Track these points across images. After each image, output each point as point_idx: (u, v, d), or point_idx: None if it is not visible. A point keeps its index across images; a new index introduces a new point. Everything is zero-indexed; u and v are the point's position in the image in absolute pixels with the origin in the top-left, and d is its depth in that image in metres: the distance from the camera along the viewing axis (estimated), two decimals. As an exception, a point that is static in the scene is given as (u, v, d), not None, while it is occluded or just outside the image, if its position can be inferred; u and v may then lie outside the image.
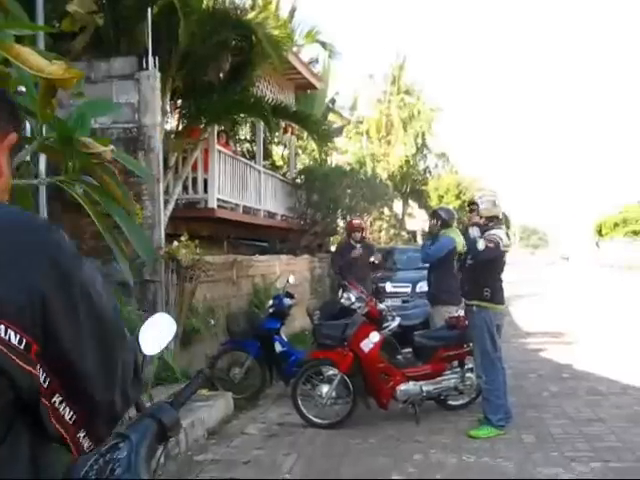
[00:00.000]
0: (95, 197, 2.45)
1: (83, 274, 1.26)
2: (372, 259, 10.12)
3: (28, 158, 3.64)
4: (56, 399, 1.21)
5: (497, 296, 6.78)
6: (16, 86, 2.69)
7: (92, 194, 2.52)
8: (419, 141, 35.84)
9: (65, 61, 2.01)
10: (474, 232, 6.84)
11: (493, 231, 6.76)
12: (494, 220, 6.92)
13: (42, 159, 5.96)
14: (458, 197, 53.07)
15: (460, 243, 7.75)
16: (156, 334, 2.16)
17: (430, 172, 39.96)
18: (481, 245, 6.64)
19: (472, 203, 7.41)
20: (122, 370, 1.35)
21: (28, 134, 4.50)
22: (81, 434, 1.28)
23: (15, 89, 2.76)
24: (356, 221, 10.83)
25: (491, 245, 6.64)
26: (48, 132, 2.66)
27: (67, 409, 1.23)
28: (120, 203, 2.48)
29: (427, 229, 9.71)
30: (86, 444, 1.32)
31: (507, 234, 7.03)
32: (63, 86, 2.03)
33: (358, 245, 10.05)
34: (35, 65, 1.91)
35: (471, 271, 6.89)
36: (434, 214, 8.73)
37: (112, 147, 2.31)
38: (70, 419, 1.24)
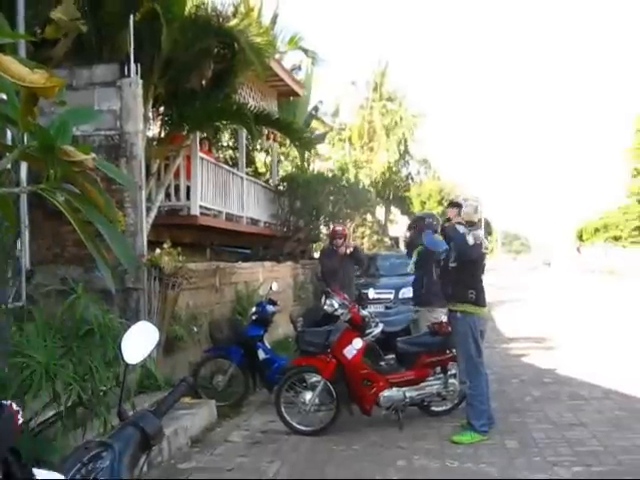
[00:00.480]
0: (77, 205, 2.44)
1: None
2: (347, 250, 10.17)
3: (9, 166, 3.63)
4: None
5: (481, 298, 6.82)
6: (-3, 94, 2.67)
7: (74, 202, 2.51)
8: (401, 147, 35.92)
9: (46, 70, 2.01)
10: (462, 229, 6.86)
11: (476, 232, 6.83)
12: (473, 225, 6.97)
13: (23, 167, 5.94)
14: (440, 203, 53.23)
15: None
16: (139, 342, 2.16)
17: (412, 178, 40.08)
18: (471, 240, 6.69)
19: (453, 203, 7.49)
20: None
21: (9, 142, 4.48)
22: None
23: (-4, 97, 2.75)
24: (338, 228, 10.86)
25: (478, 242, 6.71)
26: (29, 140, 2.65)
27: None
28: (102, 211, 2.47)
29: (407, 239, 9.65)
30: None
31: (485, 239, 7.12)
32: (45, 95, 2.03)
33: (342, 248, 10.12)
34: (16, 74, 1.91)
35: (455, 273, 6.89)
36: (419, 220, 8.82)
37: (94, 155, 2.30)
38: None
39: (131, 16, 8.26)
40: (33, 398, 3.44)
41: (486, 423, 6.63)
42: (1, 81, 2.32)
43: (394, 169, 35.94)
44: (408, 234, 9.26)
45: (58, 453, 3.52)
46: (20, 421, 1.49)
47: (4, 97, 2.80)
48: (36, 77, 1.93)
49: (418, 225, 8.84)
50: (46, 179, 2.46)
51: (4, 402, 1.51)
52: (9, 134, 4.42)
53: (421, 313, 8.58)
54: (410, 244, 9.07)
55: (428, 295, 8.35)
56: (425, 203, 51.81)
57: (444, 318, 7.46)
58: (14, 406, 1.50)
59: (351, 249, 10.32)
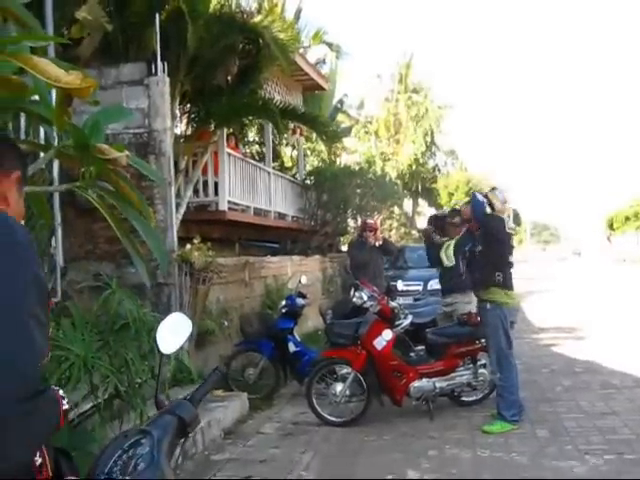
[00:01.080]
0: (111, 201, 2.52)
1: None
2: (376, 242, 10.18)
3: (43, 166, 3.72)
4: None
5: (508, 281, 6.77)
6: (31, 95, 2.76)
7: (108, 199, 2.59)
8: (428, 139, 35.76)
9: (81, 71, 2.08)
10: (480, 197, 6.89)
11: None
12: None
13: (55, 166, 6.05)
14: (468, 194, 52.85)
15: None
16: (173, 333, 2.22)
17: (439, 170, 39.85)
18: (489, 209, 6.71)
19: (454, 211, 7.53)
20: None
21: (42, 142, 4.59)
22: None
23: (30, 98, 2.83)
24: (370, 221, 10.83)
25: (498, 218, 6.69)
26: (63, 139, 2.73)
27: None
28: (135, 207, 2.55)
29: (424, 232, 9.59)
30: None
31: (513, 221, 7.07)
32: (79, 95, 2.10)
33: (373, 241, 10.12)
34: (53, 75, 1.98)
35: (482, 257, 6.87)
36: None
37: (127, 153, 2.37)
38: None
39: (157, 15, 8.35)
40: (72, 390, 3.54)
41: (517, 413, 6.63)
42: (35, 82, 2.40)
43: (421, 161, 35.79)
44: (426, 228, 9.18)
45: (97, 443, 3.62)
46: (65, 406, 1.56)
47: (37, 98, 2.89)
48: (71, 78, 2.00)
49: (437, 223, 8.80)
50: (81, 177, 2.55)
51: (52, 387, 1.58)
52: (42, 133, 4.53)
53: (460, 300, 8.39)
54: (428, 238, 8.98)
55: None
56: (453, 195, 51.47)
57: (473, 309, 7.47)
58: (60, 392, 1.57)
59: (380, 242, 10.32)
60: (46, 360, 1.50)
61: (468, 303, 7.86)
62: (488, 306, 6.78)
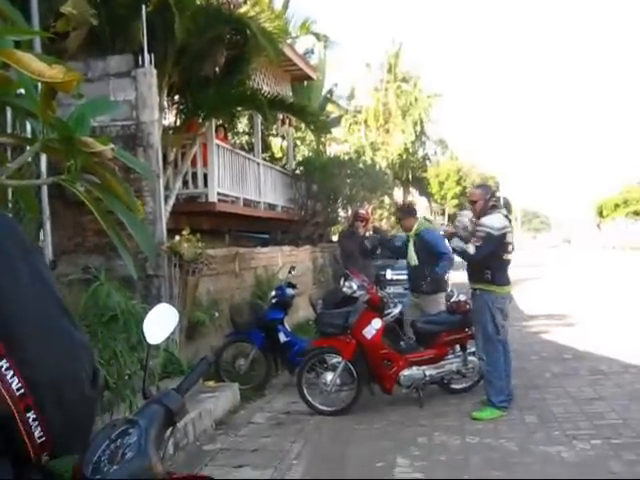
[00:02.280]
0: (98, 195, 2.53)
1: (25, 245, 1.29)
2: (366, 233, 10.20)
3: (30, 159, 3.73)
4: (2, 363, 1.13)
5: (499, 277, 6.80)
6: (17, 89, 2.76)
7: (94, 192, 2.60)
8: (417, 128, 35.84)
9: (64, 64, 2.09)
10: (457, 242, 6.94)
11: (482, 219, 6.81)
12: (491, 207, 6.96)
13: (43, 159, 6.04)
14: (459, 183, 53.02)
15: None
16: (160, 324, 2.24)
17: (429, 159, 39.98)
18: (471, 249, 6.74)
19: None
20: (72, 352, 1.25)
21: (29, 135, 4.58)
22: (30, 415, 1.15)
23: (15, 92, 2.84)
24: (361, 211, 10.84)
25: (479, 243, 6.70)
26: (49, 133, 2.74)
27: (14, 379, 1.13)
28: (122, 200, 2.56)
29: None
30: (37, 433, 1.17)
31: (505, 216, 7.03)
32: (63, 89, 2.10)
33: (363, 231, 10.15)
34: (36, 70, 1.98)
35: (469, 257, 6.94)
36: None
37: (112, 146, 2.38)
38: (18, 390, 1.14)
39: (143, 6, 8.33)
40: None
41: (505, 399, 6.70)
42: (20, 77, 2.40)
43: (411, 150, 35.86)
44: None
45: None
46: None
47: (22, 92, 2.89)
48: (54, 72, 2.00)
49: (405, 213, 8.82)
50: (67, 170, 2.55)
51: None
52: (29, 127, 4.53)
53: (423, 300, 8.34)
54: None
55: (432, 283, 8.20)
56: (443, 183, 51.61)
57: (462, 297, 7.53)
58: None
59: (370, 232, 10.35)
60: None
61: (434, 302, 7.94)
62: (477, 292, 6.84)
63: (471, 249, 6.72)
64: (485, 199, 6.97)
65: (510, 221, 7.13)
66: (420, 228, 8.20)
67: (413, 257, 8.14)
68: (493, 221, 6.76)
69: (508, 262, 6.95)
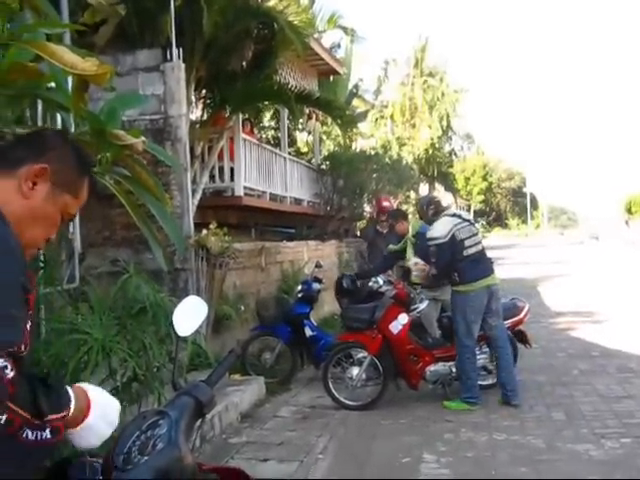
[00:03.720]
0: (128, 187, 2.55)
1: None
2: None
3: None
4: None
5: (468, 275, 6.80)
6: (48, 82, 2.79)
7: (125, 184, 2.62)
8: (444, 123, 35.66)
9: (97, 57, 2.10)
10: (416, 275, 7.30)
11: (428, 233, 7.06)
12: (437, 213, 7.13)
13: (73, 152, 6.08)
14: (485, 179, 52.67)
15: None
16: (189, 316, 2.25)
17: (456, 154, 39.80)
18: (433, 270, 7.02)
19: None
20: None
21: (59, 128, 4.62)
22: None
23: (46, 85, 2.86)
24: (385, 203, 10.73)
25: (434, 259, 6.91)
26: (79, 126, 2.76)
27: None
28: (152, 193, 2.57)
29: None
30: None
31: (453, 214, 7.14)
32: (96, 82, 2.12)
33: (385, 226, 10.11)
34: (69, 62, 2.00)
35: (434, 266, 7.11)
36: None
37: (143, 138, 2.40)
38: None
39: (171, 0, 8.36)
40: (90, 374, 3.59)
41: (473, 396, 6.78)
42: (52, 69, 2.42)
43: (437, 145, 35.71)
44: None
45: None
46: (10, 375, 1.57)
47: (53, 85, 2.92)
48: (88, 65, 2.02)
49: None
50: (98, 163, 2.58)
51: None
52: (59, 120, 4.57)
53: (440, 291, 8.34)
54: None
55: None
56: (469, 179, 51.34)
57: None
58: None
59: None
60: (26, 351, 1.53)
61: (436, 297, 7.90)
62: (453, 294, 6.94)
63: (433, 270, 6.96)
64: (422, 210, 7.33)
65: (460, 216, 7.17)
66: (416, 227, 8.11)
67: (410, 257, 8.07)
68: (436, 230, 6.91)
69: (474, 256, 6.90)
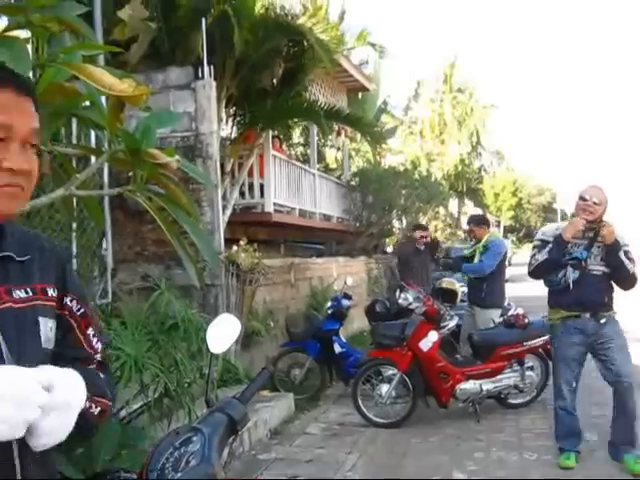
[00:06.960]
0: (161, 204, 2.58)
1: None
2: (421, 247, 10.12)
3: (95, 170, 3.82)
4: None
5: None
6: (84, 101, 2.84)
7: (158, 201, 2.65)
8: (473, 139, 35.57)
9: (133, 79, 2.14)
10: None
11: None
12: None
13: (106, 170, 6.18)
14: (514, 194, 52.29)
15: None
16: (222, 333, 2.27)
17: (485, 170, 39.59)
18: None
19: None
20: None
21: (93, 146, 4.69)
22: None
23: (82, 104, 2.92)
24: (423, 233, 10.46)
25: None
26: (113, 144, 2.81)
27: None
28: (185, 210, 2.60)
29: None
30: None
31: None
32: (132, 103, 2.16)
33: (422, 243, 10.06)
34: (107, 84, 2.04)
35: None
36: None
37: (178, 157, 2.43)
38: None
39: (203, 19, 8.47)
40: (123, 389, 3.63)
41: None
42: (88, 89, 2.47)
43: (466, 161, 35.61)
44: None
45: (148, 440, 3.70)
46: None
47: (87, 104, 2.97)
48: (125, 86, 2.06)
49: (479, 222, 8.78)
50: (133, 181, 2.61)
51: None
52: (93, 138, 4.64)
53: (477, 313, 8.33)
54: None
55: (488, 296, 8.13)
56: (498, 195, 50.99)
57: (520, 310, 7.43)
58: None
59: (428, 239, 10.22)
60: None
61: (486, 318, 7.82)
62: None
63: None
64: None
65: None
66: (490, 238, 8.14)
67: None
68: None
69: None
